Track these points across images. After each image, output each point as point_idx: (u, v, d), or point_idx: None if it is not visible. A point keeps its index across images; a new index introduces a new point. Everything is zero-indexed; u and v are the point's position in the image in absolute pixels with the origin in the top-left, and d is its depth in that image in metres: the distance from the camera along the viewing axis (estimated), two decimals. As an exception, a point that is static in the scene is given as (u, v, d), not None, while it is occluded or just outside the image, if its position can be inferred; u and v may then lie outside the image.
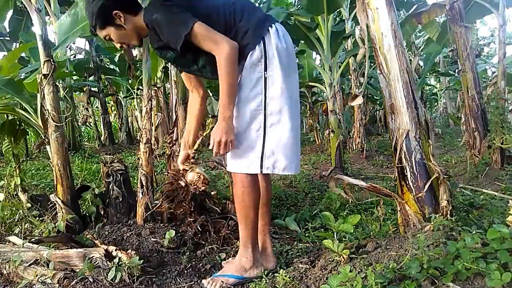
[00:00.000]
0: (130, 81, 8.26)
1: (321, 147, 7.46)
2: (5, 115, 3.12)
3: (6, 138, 3.19)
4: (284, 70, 1.66)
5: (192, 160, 2.08)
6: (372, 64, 8.01)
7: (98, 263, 1.83)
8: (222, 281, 1.76)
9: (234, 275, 1.78)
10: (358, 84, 6.41)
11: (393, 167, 2.49)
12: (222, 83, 1.61)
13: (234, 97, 1.66)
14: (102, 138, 9.01)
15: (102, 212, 2.61)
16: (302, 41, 4.89)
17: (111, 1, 1.71)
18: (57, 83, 2.61)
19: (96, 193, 2.60)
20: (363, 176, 4.33)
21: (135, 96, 8.94)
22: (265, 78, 1.65)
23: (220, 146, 1.64)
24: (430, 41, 5.85)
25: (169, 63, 2.00)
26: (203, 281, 1.83)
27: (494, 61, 7.19)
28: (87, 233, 2.40)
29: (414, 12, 4.87)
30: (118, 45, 1.82)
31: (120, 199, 2.54)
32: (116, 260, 1.80)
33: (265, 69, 1.65)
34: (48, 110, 2.51)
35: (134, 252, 1.88)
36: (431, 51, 5.85)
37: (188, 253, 2.09)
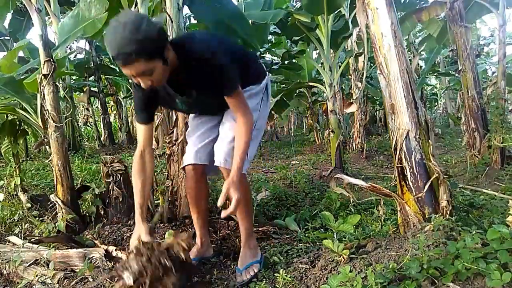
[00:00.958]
0: (130, 81, 8.26)
1: (321, 147, 7.46)
2: (5, 115, 3.12)
3: (6, 138, 3.19)
4: (267, 101, 2.06)
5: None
6: (372, 64, 8.01)
7: (98, 263, 1.83)
8: (253, 269, 1.85)
9: (256, 260, 1.91)
10: (359, 85, 6.40)
11: (393, 167, 2.48)
12: (243, 145, 1.72)
13: None
14: (102, 138, 9.02)
15: (102, 212, 2.61)
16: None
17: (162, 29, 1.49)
18: (57, 83, 2.61)
19: (96, 193, 2.61)
20: (363, 176, 4.33)
21: (135, 96, 8.92)
22: (262, 100, 2.00)
23: (238, 205, 1.62)
24: (429, 38, 5.83)
25: (174, 104, 1.83)
26: (238, 278, 1.84)
27: (494, 61, 7.19)
28: (87, 233, 2.40)
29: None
30: (148, 83, 1.49)
31: (120, 199, 2.54)
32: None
33: (263, 94, 2.01)
34: (48, 110, 2.51)
35: (134, 252, 1.87)
36: (432, 47, 5.82)
37: (188, 253, 2.08)
